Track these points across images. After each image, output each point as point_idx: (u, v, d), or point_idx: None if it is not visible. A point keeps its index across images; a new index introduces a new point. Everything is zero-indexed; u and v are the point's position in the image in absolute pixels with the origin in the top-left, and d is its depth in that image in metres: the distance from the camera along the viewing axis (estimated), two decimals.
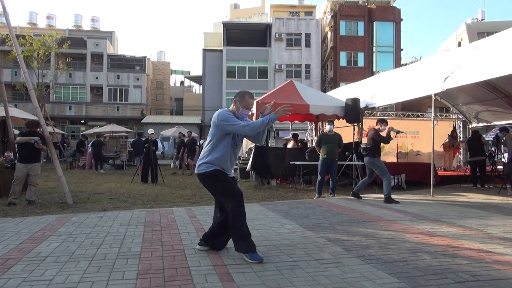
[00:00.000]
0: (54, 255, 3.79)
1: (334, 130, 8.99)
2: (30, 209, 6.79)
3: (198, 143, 20.17)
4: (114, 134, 21.82)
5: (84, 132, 28.21)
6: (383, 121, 8.16)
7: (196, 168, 3.88)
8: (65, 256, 3.74)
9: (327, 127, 8.93)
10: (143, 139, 15.16)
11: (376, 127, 8.08)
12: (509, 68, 6.94)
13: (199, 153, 16.18)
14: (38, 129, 7.80)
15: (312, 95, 11.13)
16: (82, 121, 37.89)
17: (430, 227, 5.17)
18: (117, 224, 5.34)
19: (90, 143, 17.69)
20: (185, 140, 16.62)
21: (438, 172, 12.40)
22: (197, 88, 48.72)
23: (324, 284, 3.04)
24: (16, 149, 8.16)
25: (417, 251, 3.97)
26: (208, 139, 3.86)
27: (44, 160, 20.59)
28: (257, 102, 10.53)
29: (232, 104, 3.92)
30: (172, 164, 20.96)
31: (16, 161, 7.75)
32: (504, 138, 10.85)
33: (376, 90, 11.50)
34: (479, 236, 4.69)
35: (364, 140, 10.45)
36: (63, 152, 20.50)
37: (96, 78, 37.68)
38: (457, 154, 15.33)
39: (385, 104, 11.49)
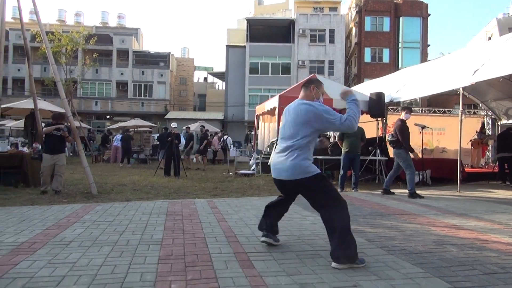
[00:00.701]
0: (78, 240, 3.86)
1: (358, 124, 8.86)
2: (57, 198, 6.95)
3: (222, 139, 20.15)
4: (138, 129, 22.16)
5: (109, 127, 28.77)
6: (406, 109, 7.97)
7: (296, 167, 3.30)
8: (88, 241, 3.81)
9: None
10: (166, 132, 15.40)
11: (401, 117, 7.91)
12: None
13: (222, 148, 16.12)
14: (64, 122, 7.94)
15: (335, 89, 10.95)
16: (108, 116, 38.64)
17: (456, 221, 5.02)
18: (140, 213, 5.40)
19: (120, 137, 17.99)
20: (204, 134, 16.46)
21: (465, 168, 12.07)
22: (220, 84, 48.97)
23: (347, 272, 2.98)
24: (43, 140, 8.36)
25: (443, 243, 3.86)
26: (299, 136, 3.34)
27: (71, 154, 21.12)
28: (279, 96, 10.50)
29: (308, 92, 3.50)
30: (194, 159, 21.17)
31: (43, 152, 7.93)
32: None
33: (402, 84, 11.25)
34: (509, 230, 4.52)
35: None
36: (89, 146, 20.96)
37: (122, 74, 38.33)
38: (486, 151, 14.87)
39: (411, 98, 11.24)
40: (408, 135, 7.71)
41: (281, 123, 3.65)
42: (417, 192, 7.48)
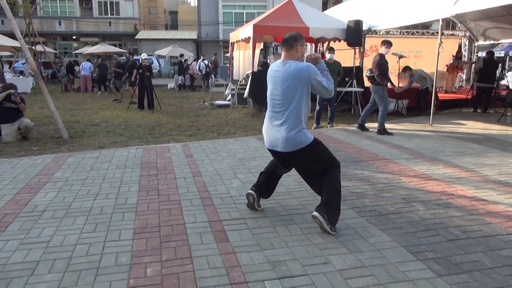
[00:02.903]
0: (51, 209, 3.81)
1: (335, 54, 8.68)
2: (26, 146, 6.75)
3: (204, 63, 19.01)
4: (107, 54, 21.11)
5: (77, 51, 27.30)
6: (386, 42, 7.66)
7: (291, 140, 3.21)
8: (61, 211, 3.76)
9: (327, 56, 8.57)
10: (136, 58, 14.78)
11: (381, 51, 7.68)
12: None
13: (207, 72, 15.45)
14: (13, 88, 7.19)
15: (312, 16, 10.50)
16: (74, 37, 36.49)
17: (426, 168, 5.17)
18: (113, 166, 5.33)
19: (87, 66, 17.21)
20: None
21: (439, 94, 12.22)
22: (192, 0, 46.18)
23: (317, 244, 3.08)
24: None
25: (412, 200, 4.00)
26: (291, 103, 3.22)
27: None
28: (254, 25, 10.00)
29: (294, 51, 3.28)
30: (170, 85, 20.64)
31: None
32: None
33: (380, 10, 10.82)
34: (474, 179, 4.70)
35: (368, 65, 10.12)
36: (58, 74, 20.05)
37: None
38: (459, 74, 14.99)
39: (389, 27, 10.92)
40: (386, 70, 7.59)
41: (268, 86, 3.44)
42: (391, 126, 7.60)
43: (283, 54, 3.36)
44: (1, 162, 5.59)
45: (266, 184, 3.70)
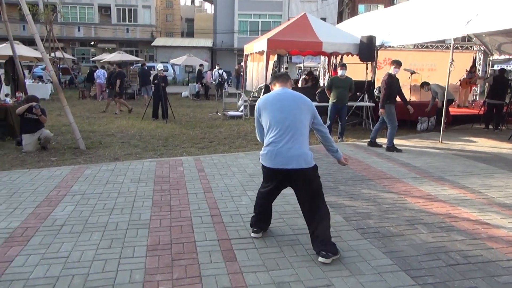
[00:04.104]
0: (69, 223, 4.02)
1: (347, 69, 8.81)
2: (45, 156, 7.02)
3: (218, 73, 19.23)
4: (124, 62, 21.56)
5: (94, 58, 27.91)
6: (395, 62, 7.78)
7: (303, 156, 3.33)
8: (79, 225, 3.97)
9: (339, 72, 8.70)
10: (147, 67, 15.35)
11: (390, 71, 7.80)
12: None
13: (220, 82, 16.11)
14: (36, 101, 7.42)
15: (326, 31, 10.66)
16: (92, 43, 37.28)
17: (432, 188, 5.26)
18: (128, 180, 5.54)
19: (101, 73, 17.61)
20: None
21: (452, 108, 12.19)
22: (208, 8, 46.78)
23: (322, 267, 3.21)
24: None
25: (415, 222, 4.10)
26: (301, 124, 3.42)
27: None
28: (268, 39, 10.19)
29: (288, 84, 3.70)
30: (184, 93, 20.99)
31: (21, 134, 7.44)
32: None
33: (394, 26, 10.92)
34: (480, 201, 4.78)
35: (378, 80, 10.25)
36: (75, 80, 20.56)
37: None
38: (473, 88, 14.95)
39: (401, 44, 11.02)
40: (394, 90, 7.67)
41: (272, 109, 3.47)
42: (400, 142, 7.67)
43: (279, 84, 3.70)
44: (22, 174, 5.85)
45: (264, 219, 3.83)
